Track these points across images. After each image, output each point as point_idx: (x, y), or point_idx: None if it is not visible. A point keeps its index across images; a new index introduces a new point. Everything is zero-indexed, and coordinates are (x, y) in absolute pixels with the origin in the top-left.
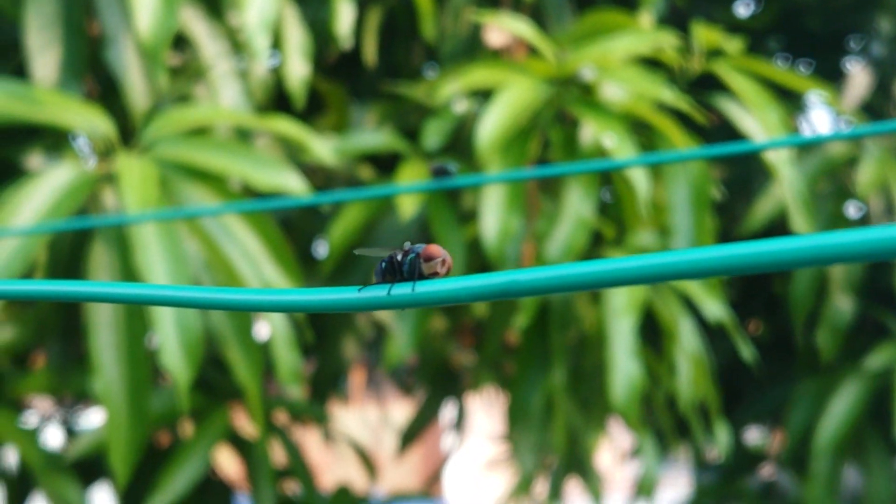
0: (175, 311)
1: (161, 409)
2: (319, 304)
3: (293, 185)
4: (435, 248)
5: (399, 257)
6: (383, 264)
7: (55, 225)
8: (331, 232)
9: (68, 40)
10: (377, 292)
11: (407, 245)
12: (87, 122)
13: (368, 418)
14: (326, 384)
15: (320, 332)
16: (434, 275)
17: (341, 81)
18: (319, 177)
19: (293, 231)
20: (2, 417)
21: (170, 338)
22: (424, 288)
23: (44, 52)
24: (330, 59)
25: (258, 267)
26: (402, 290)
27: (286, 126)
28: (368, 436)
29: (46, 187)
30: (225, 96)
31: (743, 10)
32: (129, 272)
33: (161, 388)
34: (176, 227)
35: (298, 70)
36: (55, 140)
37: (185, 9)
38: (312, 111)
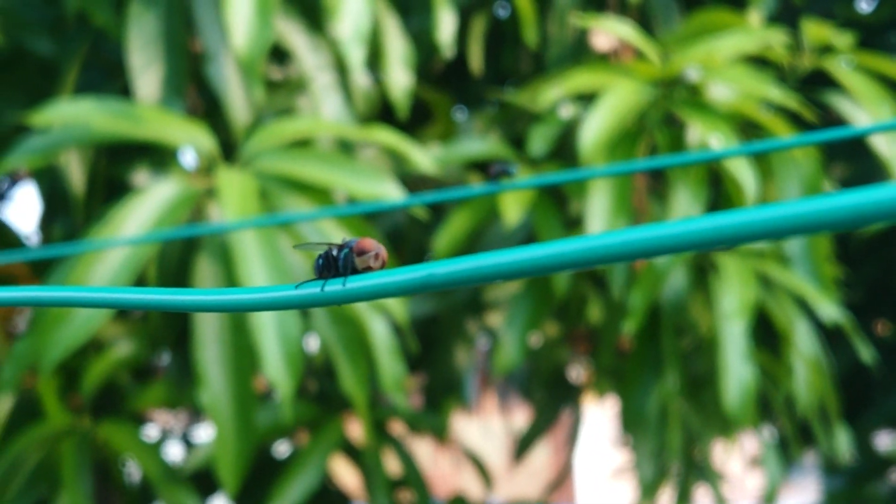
0: (277, 323)
1: (274, 420)
2: (253, 302)
3: (392, 194)
4: (368, 242)
5: (335, 252)
6: (320, 260)
7: (155, 235)
8: (437, 241)
9: (170, 58)
10: (312, 289)
11: (344, 240)
12: (189, 137)
13: (491, 427)
14: (439, 393)
15: (430, 342)
16: (367, 269)
17: (448, 90)
18: (428, 186)
19: (402, 243)
20: (123, 431)
21: (271, 349)
22: (354, 284)
23: (146, 71)
24: (436, 69)
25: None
26: (334, 285)
27: (387, 136)
28: (492, 445)
29: (151, 202)
30: (326, 108)
31: (865, 5)
32: (232, 283)
33: (274, 399)
34: (276, 239)
35: (401, 80)
36: (161, 156)
37: (284, 23)
38: (419, 121)
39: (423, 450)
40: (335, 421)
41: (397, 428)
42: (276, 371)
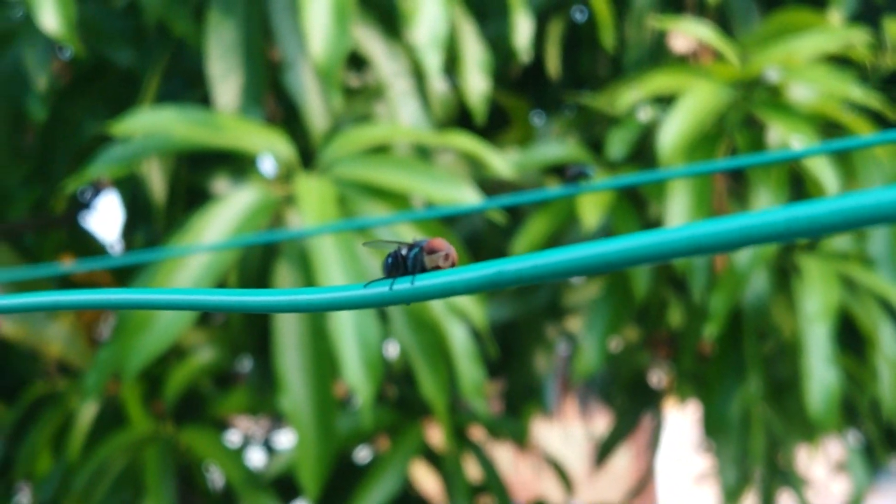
0: (356, 328)
1: (355, 426)
2: (325, 302)
3: (470, 199)
4: (438, 242)
5: (404, 252)
6: (389, 260)
7: (234, 241)
8: (515, 245)
9: (248, 66)
10: (381, 288)
11: (414, 239)
12: (267, 145)
13: (572, 432)
14: (519, 399)
15: (509, 347)
16: (437, 268)
17: (526, 95)
18: (507, 191)
19: (480, 248)
20: (205, 437)
21: (351, 355)
22: (423, 282)
23: (225, 79)
24: (514, 74)
25: None
26: (402, 284)
27: (464, 141)
28: (573, 450)
29: (231, 210)
30: (404, 114)
31: None
32: None
33: (354, 405)
34: (354, 244)
35: (478, 85)
36: (240, 164)
37: (362, 29)
38: (497, 126)
39: (505, 455)
40: (415, 426)
41: (477, 433)
42: (355, 376)
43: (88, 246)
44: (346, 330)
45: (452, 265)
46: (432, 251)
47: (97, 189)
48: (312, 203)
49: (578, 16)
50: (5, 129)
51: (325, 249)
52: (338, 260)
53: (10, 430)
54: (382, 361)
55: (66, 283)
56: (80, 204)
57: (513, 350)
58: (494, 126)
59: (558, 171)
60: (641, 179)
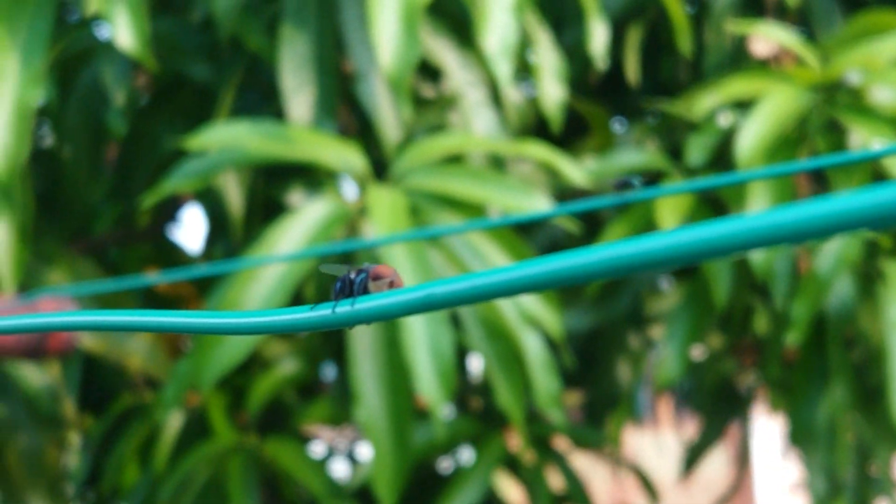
0: (429, 339)
1: (437, 436)
2: (271, 325)
3: (543, 209)
4: (383, 269)
5: (352, 276)
6: (338, 284)
7: (307, 252)
8: None
9: (321, 79)
10: (323, 312)
11: (365, 265)
12: (340, 157)
13: (665, 440)
14: (602, 408)
15: (591, 357)
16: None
17: (607, 102)
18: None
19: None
20: (289, 448)
21: (424, 365)
22: (361, 304)
23: (299, 92)
24: (592, 81)
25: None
26: (344, 307)
27: (539, 151)
28: (666, 458)
29: (304, 222)
30: (478, 124)
31: None
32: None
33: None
34: (427, 255)
35: (553, 93)
36: (315, 176)
37: (434, 39)
38: (576, 134)
39: (588, 465)
40: (498, 437)
41: (561, 443)
42: (428, 387)
43: (174, 258)
44: (419, 340)
45: None
46: (377, 277)
47: (181, 202)
48: (384, 214)
49: (658, 21)
50: (87, 145)
51: (397, 260)
52: (410, 270)
53: (98, 442)
54: (455, 372)
55: (149, 296)
56: (166, 217)
57: (595, 359)
58: (574, 134)
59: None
60: (720, 182)
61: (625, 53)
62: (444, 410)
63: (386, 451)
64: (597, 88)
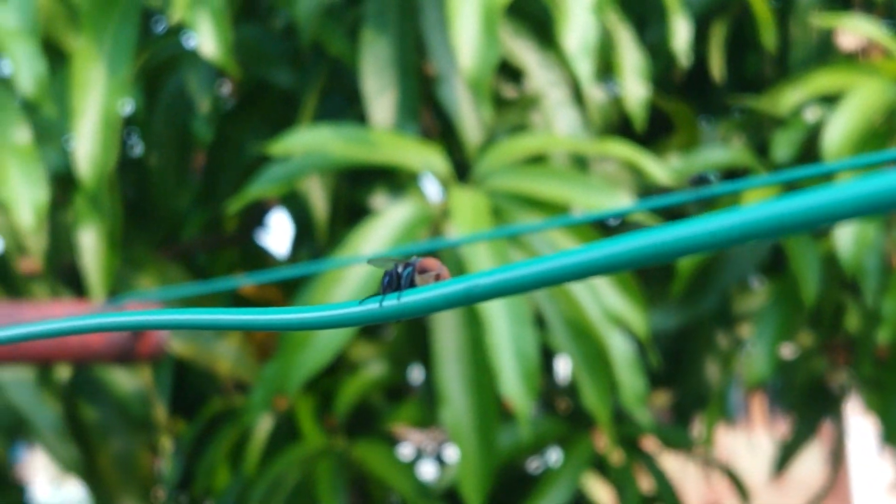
0: (512, 340)
1: (526, 437)
2: (319, 320)
3: (622, 208)
4: (429, 262)
5: (399, 270)
6: (386, 278)
7: (388, 253)
8: None
9: (403, 82)
10: (371, 306)
11: (413, 259)
12: (423, 159)
13: (758, 440)
14: (690, 408)
15: (679, 357)
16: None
17: (692, 100)
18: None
19: None
20: (377, 450)
21: (508, 366)
22: (407, 298)
23: (380, 96)
24: (677, 78)
25: (599, 294)
26: (390, 300)
27: (621, 149)
28: (759, 458)
29: (387, 224)
30: (560, 124)
31: None
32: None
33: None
34: (509, 255)
35: (636, 92)
36: (400, 179)
37: (515, 40)
38: (661, 132)
39: (684, 466)
40: (586, 437)
41: (649, 443)
42: (512, 388)
43: (262, 262)
44: (503, 342)
45: None
46: (423, 270)
47: (268, 207)
48: (466, 215)
49: (743, 16)
50: (173, 152)
51: (480, 261)
52: (491, 268)
53: (190, 446)
54: (540, 373)
55: (237, 299)
56: (253, 222)
57: (683, 359)
58: (659, 132)
59: (728, 174)
60: (802, 174)
61: (709, 50)
62: (529, 411)
63: (471, 453)
64: (681, 86)
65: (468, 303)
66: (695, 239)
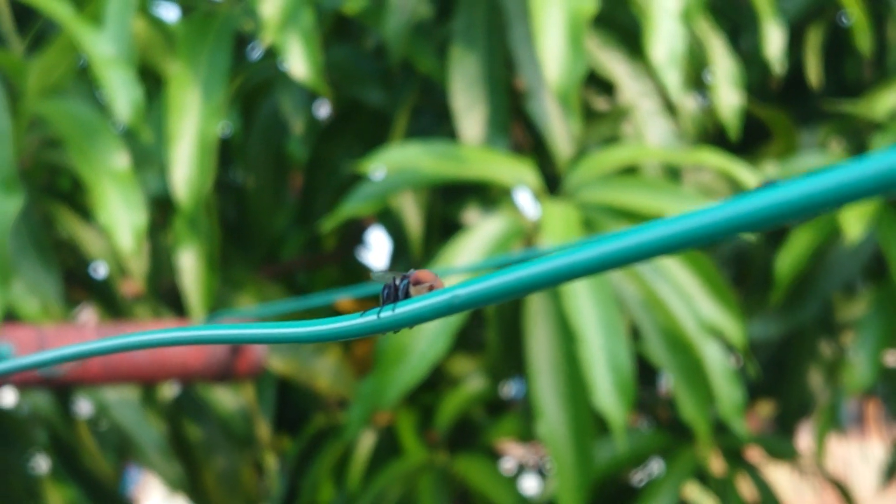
0: (607, 352)
1: (629, 449)
2: (322, 334)
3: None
4: (424, 274)
5: (397, 282)
6: (385, 291)
7: (482, 264)
8: (778, 263)
9: (492, 97)
10: (369, 318)
11: (410, 272)
12: (513, 174)
13: (871, 450)
14: (794, 417)
15: (781, 366)
16: None
17: (789, 107)
18: None
19: (748, 268)
20: (479, 465)
21: (602, 379)
22: (400, 310)
23: (470, 112)
24: (774, 85)
25: (694, 305)
26: (386, 312)
27: (714, 158)
28: (871, 468)
29: (480, 239)
30: (651, 134)
31: None
32: (562, 316)
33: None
34: (608, 274)
35: (730, 100)
36: (491, 194)
37: (604, 51)
38: (758, 140)
39: (795, 477)
40: (688, 448)
41: (755, 455)
42: (606, 401)
43: (362, 280)
44: (597, 354)
45: None
46: (418, 282)
47: (366, 224)
48: (556, 229)
49: (841, 21)
50: (270, 173)
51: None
52: (587, 287)
53: (295, 462)
54: (635, 385)
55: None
56: (352, 240)
57: (785, 368)
58: (756, 141)
59: None
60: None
61: (806, 55)
62: (623, 423)
63: (568, 465)
64: (779, 93)
65: (451, 312)
66: (686, 233)
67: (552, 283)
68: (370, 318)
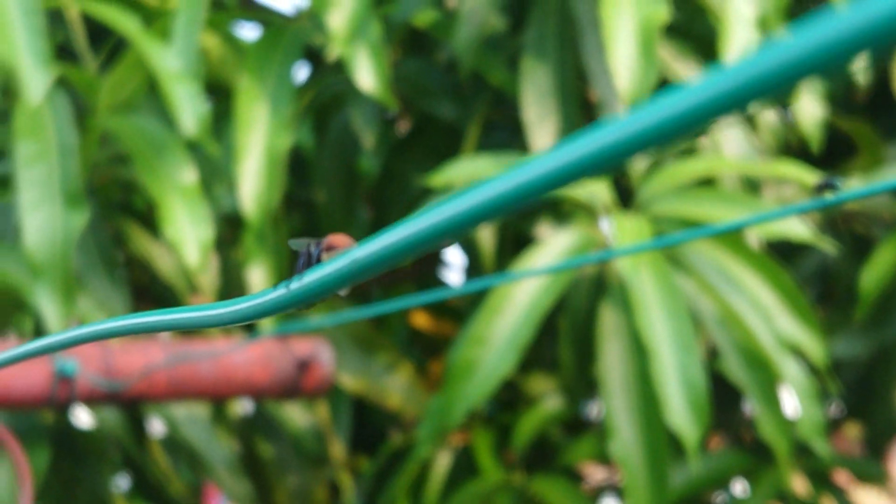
0: (679, 368)
1: (710, 470)
2: (234, 315)
3: (797, 232)
4: (337, 239)
5: (312, 250)
6: (301, 260)
7: (555, 267)
8: (862, 276)
9: (564, 109)
10: (280, 291)
11: (326, 238)
12: (584, 187)
13: None
14: (884, 439)
15: (868, 385)
16: None
17: (877, 119)
18: (856, 221)
19: (833, 281)
20: (557, 485)
21: (675, 395)
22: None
23: (541, 124)
24: (860, 98)
25: (773, 321)
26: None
27: (792, 171)
28: None
29: (551, 252)
30: (729, 146)
31: None
32: (634, 328)
33: (706, 450)
34: (678, 285)
35: (812, 112)
36: (564, 208)
37: (679, 61)
38: (843, 153)
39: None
40: (771, 470)
41: (843, 477)
42: (680, 418)
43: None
44: (669, 371)
45: None
46: (330, 248)
47: None
48: (627, 241)
49: None
50: (341, 188)
51: (643, 286)
52: (659, 301)
53: (371, 481)
54: (710, 403)
55: (412, 333)
56: (428, 256)
57: (873, 388)
58: (841, 154)
59: None
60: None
61: (891, 66)
62: (697, 442)
63: (642, 486)
64: (863, 105)
65: (356, 276)
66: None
67: (453, 231)
68: (280, 291)
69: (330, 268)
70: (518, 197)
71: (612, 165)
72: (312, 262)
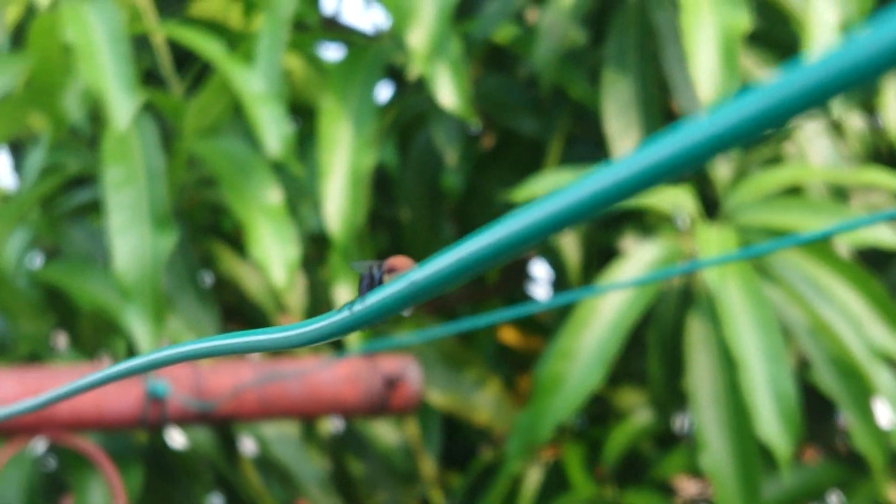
0: (769, 379)
1: (804, 482)
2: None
3: (886, 239)
4: (398, 261)
5: (374, 272)
6: (364, 282)
7: (645, 278)
8: None
9: (646, 121)
10: (343, 314)
11: (388, 260)
12: (669, 198)
13: None
14: None
15: None
16: None
17: None
18: None
19: None
20: (648, 499)
21: (765, 407)
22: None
23: (623, 137)
24: None
25: (863, 329)
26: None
27: (882, 178)
28: None
29: (636, 265)
30: (815, 154)
31: None
32: (722, 340)
33: (800, 463)
34: (766, 295)
35: None
36: (649, 220)
37: (763, 70)
38: None
39: None
40: (867, 482)
41: None
42: (770, 431)
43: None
44: (759, 382)
45: None
46: (391, 270)
47: (528, 256)
48: (713, 253)
49: None
50: (425, 205)
51: (731, 297)
52: (747, 313)
53: (462, 497)
54: (801, 414)
55: (500, 349)
56: (516, 272)
57: None
58: None
59: None
60: None
61: None
62: (789, 454)
63: (733, 499)
64: None
65: (416, 298)
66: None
67: (517, 247)
68: (344, 314)
69: (389, 290)
70: (566, 217)
71: (690, 165)
72: (375, 284)
